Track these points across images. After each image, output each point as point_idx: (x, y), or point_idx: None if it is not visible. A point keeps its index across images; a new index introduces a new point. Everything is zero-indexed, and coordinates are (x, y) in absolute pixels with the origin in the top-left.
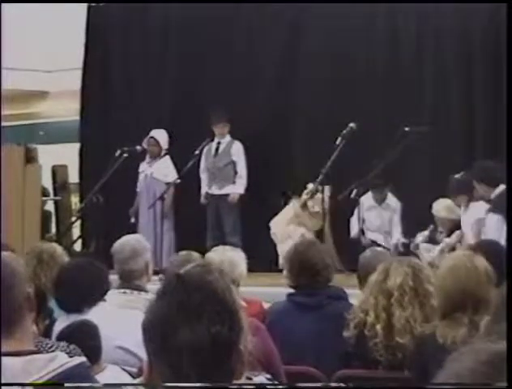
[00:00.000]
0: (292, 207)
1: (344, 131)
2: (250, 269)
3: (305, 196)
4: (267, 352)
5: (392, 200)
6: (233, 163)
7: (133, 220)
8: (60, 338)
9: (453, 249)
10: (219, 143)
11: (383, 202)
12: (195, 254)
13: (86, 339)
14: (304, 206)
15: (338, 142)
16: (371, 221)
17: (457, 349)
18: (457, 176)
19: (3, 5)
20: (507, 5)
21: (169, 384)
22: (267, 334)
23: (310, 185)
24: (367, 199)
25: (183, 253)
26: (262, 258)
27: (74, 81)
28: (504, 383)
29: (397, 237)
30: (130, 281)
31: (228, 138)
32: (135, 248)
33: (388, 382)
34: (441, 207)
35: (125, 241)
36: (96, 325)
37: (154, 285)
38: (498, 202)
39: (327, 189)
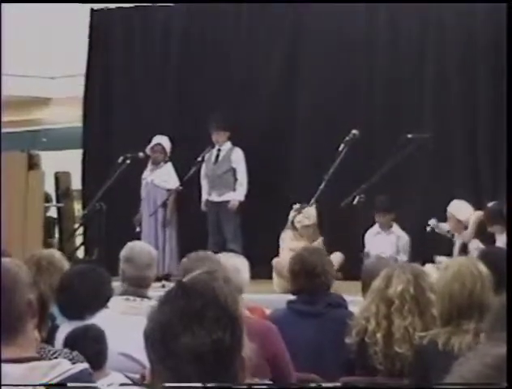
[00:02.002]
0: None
1: (347, 138)
2: (251, 276)
3: (292, 214)
4: (278, 354)
5: (397, 230)
6: (233, 170)
7: (138, 229)
8: (66, 342)
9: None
10: (219, 150)
11: (388, 229)
12: (212, 255)
13: (92, 344)
14: (292, 223)
15: (340, 148)
16: (376, 246)
17: (463, 356)
18: (491, 204)
19: (3, 5)
20: (507, 5)
21: (170, 384)
22: (279, 335)
23: (296, 206)
24: (371, 231)
25: (200, 253)
26: (262, 265)
27: (77, 87)
28: (504, 383)
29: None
30: (136, 288)
31: (228, 145)
32: (152, 255)
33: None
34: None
35: (141, 248)
36: (102, 330)
37: (157, 292)
38: None
39: (313, 206)
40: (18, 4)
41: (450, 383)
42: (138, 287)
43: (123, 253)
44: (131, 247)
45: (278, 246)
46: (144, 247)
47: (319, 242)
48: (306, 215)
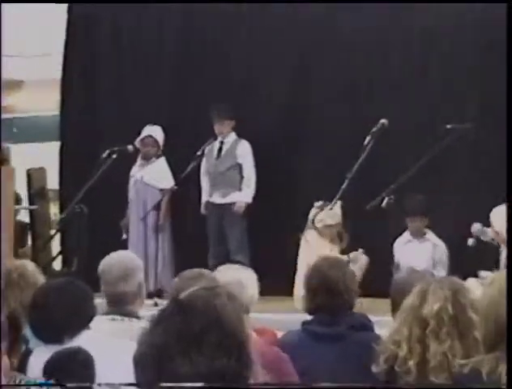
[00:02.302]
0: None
1: (374, 129)
2: (260, 292)
3: (313, 211)
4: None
5: (433, 237)
6: (239, 166)
7: (125, 235)
8: (46, 370)
9: None
10: (222, 143)
11: (422, 236)
12: (207, 273)
13: (80, 370)
14: (312, 223)
15: (366, 141)
16: (408, 257)
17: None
18: None
19: (3, 5)
20: (507, 5)
21: (169, 384)
22: (291, 366)
23: (318, 203)
24: (401, 238)
25: (194, 270)
26: (273, 280)
27: (54, 68)
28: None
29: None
30: (119, 306)
31: (232, 136)
32: (126, 267)
33: None
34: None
35: (115, 259)
36: (89, 353)
37: (148, 311)
38: None
39: (338, 204)
40: None
41: (448, 384)
42: (117, 305)
43: (100, 265)
44: (107, 258)
45: (291, 256)
46: (122, 258)
47: (343, 246)
48: (329, 213)
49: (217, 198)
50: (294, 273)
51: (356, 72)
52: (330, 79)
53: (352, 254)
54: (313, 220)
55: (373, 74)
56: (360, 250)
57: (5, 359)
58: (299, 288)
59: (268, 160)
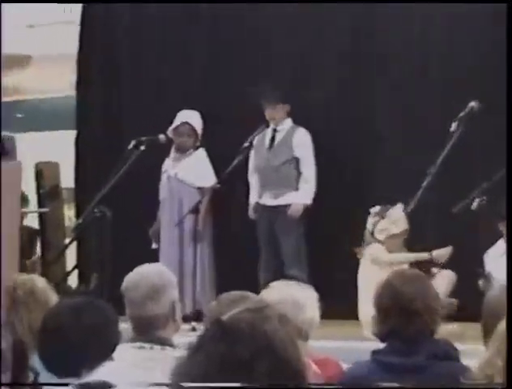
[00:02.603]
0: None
1: (462, 113)
2: (321, 315)
3: (371, 220)
4: None
5: None
6: (296, 160)
7: (155, 245)
8: None
9: None
10: (275, 131)
11: None
12: (252, 296)
13: None
14: (372, 234)
15: (452, 128)
16: (501, 272)
17: None
18: None
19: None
20: (507, 5)
21: (190, 384)
22: None
23: (375, 209)
24: (495, 249)
25: (236, 293)
26: (336, 300)
27: (69, 41)
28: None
29: None
30: (148, 332)
31: (288, 123)
32: (156, 283)
33: None
34: None
35: (142, 274)
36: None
37: (184, 338)
38: None
39: (399, 207)
40: None
41: (449, 384)
42: (145, 330)
43: (124, 281)
44: (133, 273)
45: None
46: (151, 272)
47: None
48: (392, 219)
49: (269, 200)
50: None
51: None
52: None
53: (435, 253)
54: (372, 231)
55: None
56: (448, 248)
57: None
58: (364, 312)
59: (330, 153)
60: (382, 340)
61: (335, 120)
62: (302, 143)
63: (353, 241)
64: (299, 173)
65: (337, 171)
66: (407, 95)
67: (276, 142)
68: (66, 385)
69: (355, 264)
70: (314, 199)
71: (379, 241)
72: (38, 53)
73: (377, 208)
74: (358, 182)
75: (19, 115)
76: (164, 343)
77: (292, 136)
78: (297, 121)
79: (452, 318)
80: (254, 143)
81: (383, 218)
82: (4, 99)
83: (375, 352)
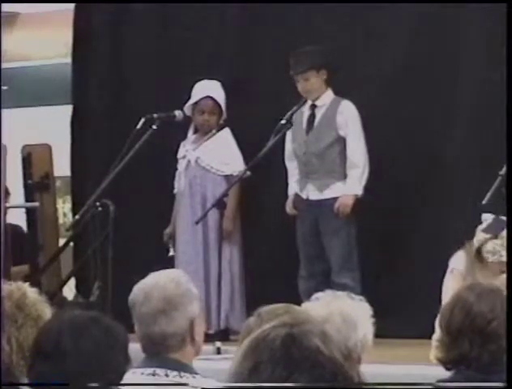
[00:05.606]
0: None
1: None
2: (377, 333)
3: (479, 236)
4: None
5: None
6: (342, 141)
7: (172, 252)
8: None
9: None
10: (314, 107)
11: None
12: (298, 309)
13: None
14: (478, 252)
15: None
16: None
17: None
18: None
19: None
20: (507, 5)
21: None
22: None
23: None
24: None
25: (279, 306)
26: (396, 314)
27: None
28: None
29: None
30: (161, 355)
31: (329, 95)
32: (170, 295)
33: None
34: None
35: (154, 283)
36: None
37: (207, 362)
38: None
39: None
40: None
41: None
42: (157, 352)
43: (132, 292)
44: (143, 282)
45: (421, 281)
46: (165, 281)
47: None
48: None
49: (311, 193)
50: (427, 307)
51: None
52: None
53: None
54: (478, 249)
55: None
56: None
57: None
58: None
59: (389, 132)
60: (449, 368)
61: (383, 98)
62: (348, 119)
63: (413, 243)
64: (345, 158)
65: (398, 154)
66: None
67: (317, 121)
68: (66, 385)
69: (422, 272)
70: (366, 189)
71: (482, 262)
72: (26, 10)
73: (488, 218)
74: (422, 170)
75: (3, 87)
76: (182, 369)
77: (336, 111)
78: (341, 93)
79: None
80: (292, 122)
81: (496, 237)
82: None
83: (442, 381)
